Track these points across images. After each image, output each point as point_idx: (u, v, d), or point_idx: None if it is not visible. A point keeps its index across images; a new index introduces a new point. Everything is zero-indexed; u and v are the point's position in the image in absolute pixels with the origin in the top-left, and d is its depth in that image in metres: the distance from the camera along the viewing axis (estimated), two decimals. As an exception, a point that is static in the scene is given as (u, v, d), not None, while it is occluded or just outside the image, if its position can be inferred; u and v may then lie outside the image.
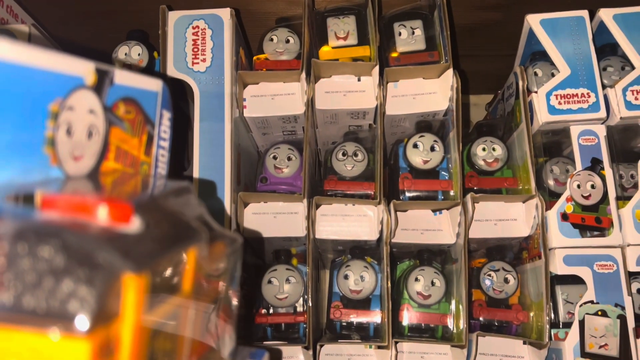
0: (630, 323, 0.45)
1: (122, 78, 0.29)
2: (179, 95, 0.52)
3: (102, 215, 0.21)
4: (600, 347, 0.44)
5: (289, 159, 0.53)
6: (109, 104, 0.29)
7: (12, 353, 0.18)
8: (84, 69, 0.27)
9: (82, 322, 0.18)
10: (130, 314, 0.20)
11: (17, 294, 0.19)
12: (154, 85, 0.32)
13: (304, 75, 0.50)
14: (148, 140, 0.32)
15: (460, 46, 0.67)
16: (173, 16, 0.50)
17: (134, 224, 0.22)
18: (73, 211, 0.21)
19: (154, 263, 0.22)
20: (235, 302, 0.31)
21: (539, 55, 0.55)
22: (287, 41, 0.54)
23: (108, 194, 0.26)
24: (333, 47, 0.53)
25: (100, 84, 0.28)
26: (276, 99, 0.52)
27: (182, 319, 0.25)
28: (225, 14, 0.50)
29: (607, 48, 0.53)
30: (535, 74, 0.54)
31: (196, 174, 0.47)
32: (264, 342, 0.49)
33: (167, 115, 0.34)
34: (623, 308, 0.45)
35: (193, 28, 0.50)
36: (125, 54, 0.52)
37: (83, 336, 0.18)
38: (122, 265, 0.19)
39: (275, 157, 0.53)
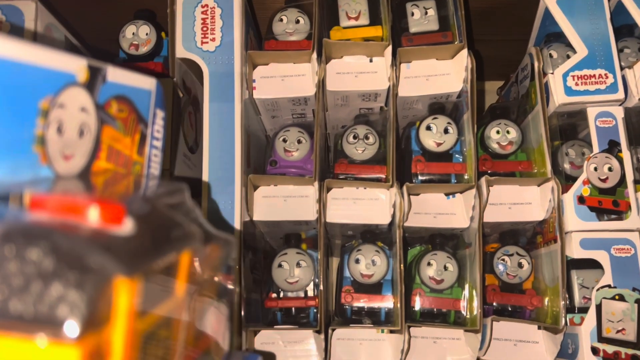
0: (648, 308, 0.44)
1: (115, 76, 0.29)
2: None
3: (93, 216, 0.20)
4: (618, 331, 0.44)
5: (299, 141, 0.53)
6: (101, 102, 0.28)
7: None
8: (76, 65, 0.26)
9: (72, 327, 0.18)
10: (121, 319, 0.19)
11: (4, 299, 0.19)
12: (148, 83, 0.32)
13: (314, 55, 0.49)
14: (141, 139, 0.32)
15: (472, 31, 0.66)
16: (182, -5, 0.49)
17: (126, 226, 0.21)
18: (63, 212, 0.20)
19: (147, 266, 0.21)
20: (226, 307, 0.30)
21: (554, 37, 0.54)
22: (297, 21, 0.53)
23: (99, 195, 0.26)
24: (344, 27, 0.52)
25: (93, 82, 0.27)
26: (286, 80, 0.51)
27: (175, 323, 0.25)
28: (235, -8, 0.49)
29: (624, 29, 0.53)
30: (551, 55, 0.52)
31: (206, 155, 0.46)
32: (274, 326, 0.48)
33: (160, 114, 0.33)
34: (641, 292, 0.44)
35: (202, 7, 0.49)
36: (133, 34, 0.52)
37: (73, 342, 0.18)
38: (113, 268, 0.19)
39: (285, 140, 0.53)
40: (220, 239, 0.28)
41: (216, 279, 0.29)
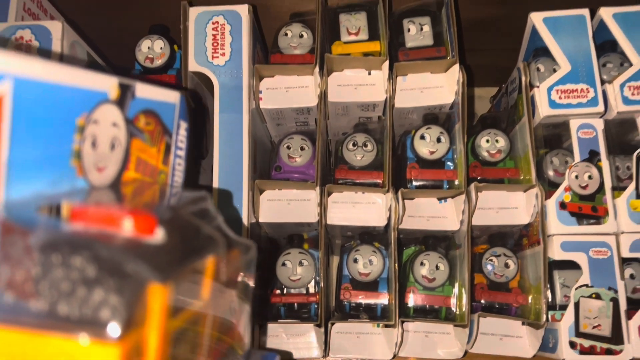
0: (623, 305, 0.48)
1: (143, 91, 0.31)
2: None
3: (127, 227, 0.22)
4: (594, 327, 0.47)
5: (302, 148, 0.56)
6: (130, 116, 0.30)
7: (47, 357, 0.20)
8: (108, 84, 0.28)
9: (114, 329, 0.19)
10: (155, 320, 0.21)
11: (52, 302, 0.20)
12: (173, 97, 0.34)
13: (317, 69, 0.53)
14: (166, 149, 0.34)
15: (466, 40, 0.69)
16: (194, 12, 0.53)
17: (158, 235, 0.23)
18: (100, 223, 0.22)
19: (177, 273, 0.23)
20: (249, 307, 0.32)
21: (542, 52, 0.57)
22: (301, 36, 0.57)
23: (132, 206, 0.27)
24: (345, 42, 0.56)
25: (123, 98, 0.29)
26: (290, 91, 0.55)
27: (202, 321, 0.27)
28: (243, 10, 0.53)
29: (607, 45, 0.56)
30: (538, 69, 0.56)
31: (216, 163, 0.50)
32: (279, 320, 0.52)
33: (184, 125, 0.35)
34: (616, 291, 0.48)
35: (213, 23, 0.52)
36: (148, 48, 0.55)
37: (114, 342, 0.19)
38: (148, 275, 0.20)
39: (289, 147, 0.56)
40: (241, 244, 0.30)
41: (238, 279, 0.31)
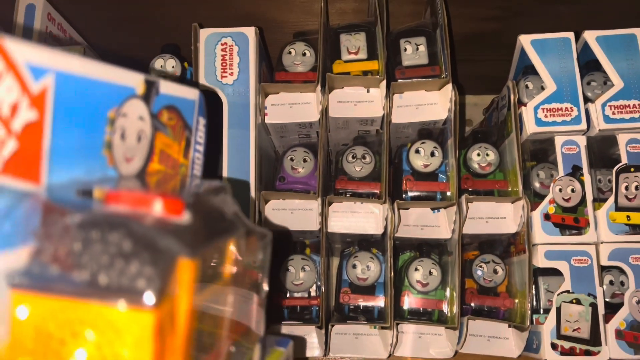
0: (601, 310, 0.51)
1: (166, 88, 0.33)
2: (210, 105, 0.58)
3: (157, 208, 0.24)
4: (574, 330, 0.51)
5: (305, 160, 0.60)
6: (155, 111, 0.32)
7: (89, 323, 0.21)
8: (136, 80, 0.30)
9: (149, 297, 0.21)
10: (184, 293, 0.22)
11: (93, 273, 0.22)
12: (192, 94, 0.36)
13: (319, 87, 0.56)
14: (186, 144, 0.36)
15: (461, 52, 0.73)
16: (204, 33, 0.56)
17: (185, 217, 0.24)
18: (133, 204, 0.24)
19: (203, 250, 0.24)
20: (266, 289, 0.34)
21: (531, 69, 0.60)
22: (304, 54, 0.60)
23: (161, 191, 0.29)
24: (345, 61, 0.59)
25: (149, 94, 0.31)
26: (294, 107, 0.58)
27: (222, 302, 0.29)
28: (250, 32, 0.56)
29: (591, 63, 0.59)
30: (527, 86, 0.60)
31: (225, 175, 0.53)
32: (282, 322, 0.56)
33: (202, 121, 0.37)
34: (595, 297, 0.52)
35: (222, 45, 0.56)
36: (161, 66, 0.59)
37: (150, 309, 0.21)
38: (179, 250, 0.22)
39: (292, 159, 0.60)
40: (257, 231, 0.32)
41: (253, 270, 0.33)
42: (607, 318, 0.51)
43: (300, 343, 0.54)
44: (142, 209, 0.24)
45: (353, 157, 0.59)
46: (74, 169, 0.26)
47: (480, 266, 0.57)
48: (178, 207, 0.24)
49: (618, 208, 0.53)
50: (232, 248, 0.29)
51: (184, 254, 0.22)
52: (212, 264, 0.27)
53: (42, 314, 0.22)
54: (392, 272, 0.53)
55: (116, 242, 0.22)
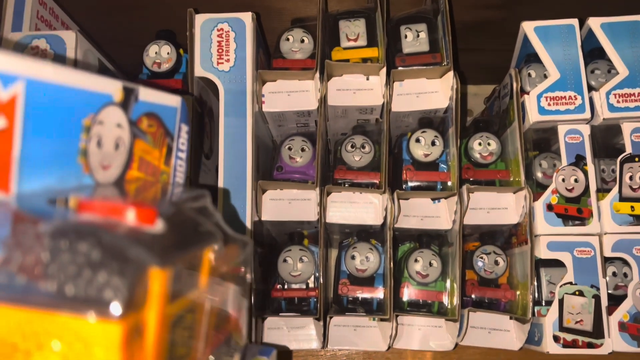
0: (604, 302, 0.51)
1: (146, 95, 0.33)
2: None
3: (130, 217, 0.24)
4: (577, 322, 0.50)
5: (303, 150, 0.59)
6: (134, 118, 0.31)
7: (55, 334, 0.21)
8: (113, 87, 0.30)
9: (116, 308, 0.21)
10: (155, 302, 0.22)
11: (60, 283, 0.22)
12: (174, 101, 0.36)
13: (317, 74, 0.55)
14: (168, 151, 0.36)
15: (462, 41, 0.72)
16: (199, 19, 0.55)
17: (158, 225, 0.24)
18: (105, 213, 0.24)
19: (175, 259, 0.24)
20: (246, 302, 0.34)
21: (533, 57, 0.59)
22: (302, 41, 0.59)
23: (134, 199, 0.29)
24: (344, 48, 0.58)
25: (127, 101, 0.31)
26: (292, 95, 0.57)
27: (199, 310, 0.29)
28: (247, 17, 0.55)
29: (596, 51, 0.58)
30: (529, 74, 0.58)
31: (221, 164, 0.52)
32: (280, 314, 0.55)
33: (185, 128, 0.37)
34: (598, 289, 0.51)
35: (218, 30, 0.55)
36: (156, 53, 0.58)
37: (116, 320, 0.21)
38: (149, 260, 0.22)
39: (290, 148, 0.59)
40: (238, 240, 0.31)
41: (235, 274, 0.32)
42: (610, 310, 0.51)
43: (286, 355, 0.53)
44: (115, 218, 0.24)
45: (352, 146, 0.58)
46: (47, 177, 0.26)
47: (481, 257, 0.56)
48: (151, 216, 0.24)
49: (622, 198, 0.52)
50: (210, 257, 0.29)
51: (155, 264, 0.22)
52: (187, 272, 0.27)
53: (6, 325, 0.21)
54: (392, 263, 0.52)
55: (85, 251, 0.22)
